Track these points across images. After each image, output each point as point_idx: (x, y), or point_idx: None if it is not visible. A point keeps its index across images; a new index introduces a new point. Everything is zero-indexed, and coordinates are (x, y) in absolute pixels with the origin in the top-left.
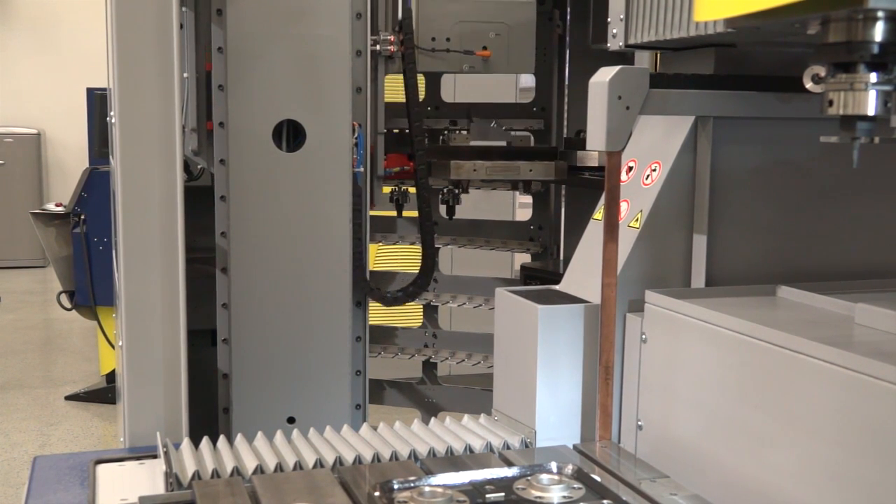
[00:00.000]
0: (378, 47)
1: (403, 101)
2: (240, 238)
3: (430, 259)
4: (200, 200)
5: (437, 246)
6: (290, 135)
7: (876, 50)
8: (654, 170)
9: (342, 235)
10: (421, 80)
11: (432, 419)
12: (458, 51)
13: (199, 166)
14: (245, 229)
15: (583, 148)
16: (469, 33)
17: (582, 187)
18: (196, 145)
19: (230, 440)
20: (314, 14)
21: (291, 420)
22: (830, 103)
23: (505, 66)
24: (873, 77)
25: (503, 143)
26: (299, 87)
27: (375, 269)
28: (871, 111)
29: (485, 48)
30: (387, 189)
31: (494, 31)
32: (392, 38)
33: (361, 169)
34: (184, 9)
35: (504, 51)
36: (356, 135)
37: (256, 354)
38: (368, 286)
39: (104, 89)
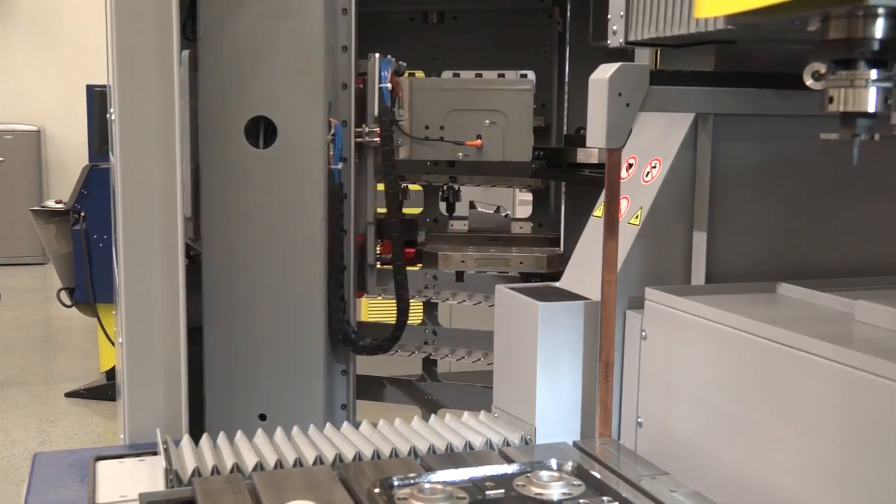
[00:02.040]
0: (366, 139)
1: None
2: (213, 235)
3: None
4: None
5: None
6: (266, 132)
7: (876, 47)
8: (654, 167)
9: (315, 230)
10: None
11: (432, 416)
12: (451, 141)
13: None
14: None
15: (583, 145)
16: (463, 122)
17: (582, 184)
18: (193, 233)
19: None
20: (289, 10)
21: (263, 417)
22: (831, 100)
23: (500, 153)
24: (874, 74)
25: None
26: (272, 84)
27: None
28: (871, 108)
29: (478, 137)
30: (380, 186)
31: (490, 119)
32: (378, 129)
33: (340, 165)
34: (181, 103)
35: (499, 139)
36: (332, 131)
37: (230, 351)
38: (349, 332)
39: (104, 86)
